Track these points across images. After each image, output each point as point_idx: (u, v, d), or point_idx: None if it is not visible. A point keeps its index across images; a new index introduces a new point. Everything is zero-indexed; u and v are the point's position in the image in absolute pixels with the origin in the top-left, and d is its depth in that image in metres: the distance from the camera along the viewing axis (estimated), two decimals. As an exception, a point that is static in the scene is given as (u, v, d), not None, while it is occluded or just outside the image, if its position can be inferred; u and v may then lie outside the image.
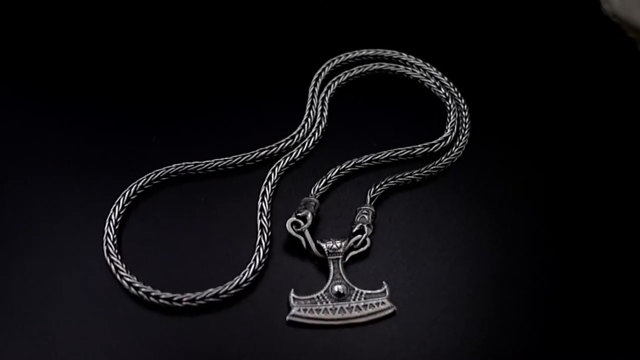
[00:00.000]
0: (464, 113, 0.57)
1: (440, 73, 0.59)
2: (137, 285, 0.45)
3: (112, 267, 0.46)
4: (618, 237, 0.50)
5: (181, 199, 0.51)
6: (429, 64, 0.60)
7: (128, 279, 0.45)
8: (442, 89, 0.58)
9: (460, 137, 0.55)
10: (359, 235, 0.48)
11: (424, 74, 0.59)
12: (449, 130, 0.56)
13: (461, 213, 0.51)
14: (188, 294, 0.45)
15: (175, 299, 0.45)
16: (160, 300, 0.45)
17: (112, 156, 0.52)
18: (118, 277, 0.46)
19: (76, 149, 0.52)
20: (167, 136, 0.54)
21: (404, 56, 0.60)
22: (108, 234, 0.47)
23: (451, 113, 0.57)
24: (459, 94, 0.58)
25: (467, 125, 0.56)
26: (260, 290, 0.47)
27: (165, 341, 0.44)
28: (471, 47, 0.62)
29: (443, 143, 0.55)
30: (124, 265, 0.46)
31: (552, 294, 0.48)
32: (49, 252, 0.47)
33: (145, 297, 0.45)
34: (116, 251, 0.47)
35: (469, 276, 0.48)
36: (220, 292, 0.45)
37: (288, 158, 0.53)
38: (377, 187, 0.51)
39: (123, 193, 0.49)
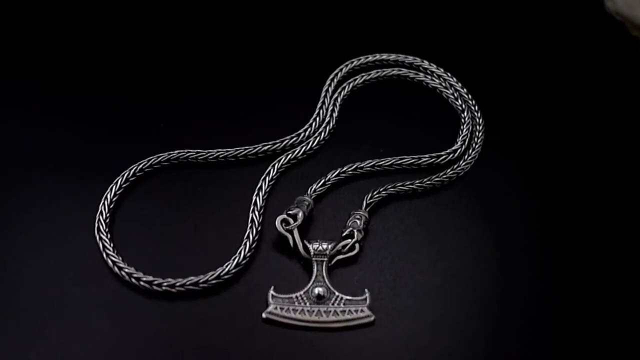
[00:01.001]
0: (478, 127, 0.55)
1: (460, 84, 0.58)
2: (120, 265, 0.46)
3: (100, 245, 0.47)
4: (629, 264, 0.48)
5: (180, 185, 0.51)
6: (449, 74, 0.58)
7: (113, 258, 0.46)
8: (459, 101, 0.57)
9: (470, 151, 0.54)
10: (348, 240, 0.48)
11: (443, 84, 0.58)
12: (459, 143, 0.54)
13: (459, 229, 0.50)
14: (169, 279, 0.45)
15: (156, 282, 0.45)
16: (141, 283, 0.45)
17: (118, 139, 0.53)
18: (104, 255, 0.46)
19: (83, 128, 0.53)
20: (177, 124, 0.54)
21: (425, 63, 0.59)
22: (101, 211, 0.48)
23: (464, 126, 0.55)
24: (476, 107, 0.56)
25: (479, 140, 0.55)
26: (242, 284, 0.47)
27: (141, 323, 0.44)
28: (482, 51, 0.61)
29: (451, 155, 0.53)
30: (111, 245, 0.47)
31: (548, 325, 0.46)
32: (41, 225, 0.48)
33: (127, 277, 0.45)
34: (107, 230, 0.47)
35: (456, 295, 0.47)
36: (201, 281, 0.45)
37: (290, 155, 0.52)
38: (375, 193, 0.50)
39: (122, 174, 0.50)
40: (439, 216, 0.51)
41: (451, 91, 0.58)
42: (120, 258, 0.46)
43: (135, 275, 0.45)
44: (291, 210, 0.48)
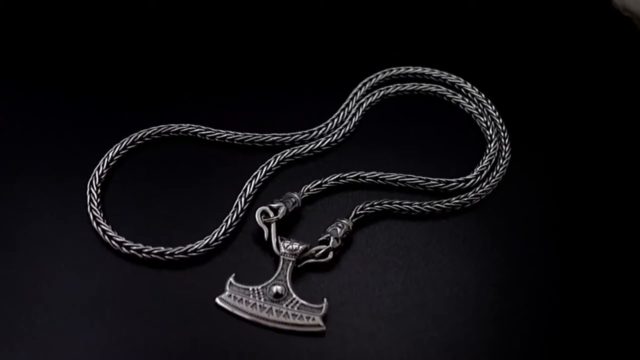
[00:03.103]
0: (501, 161, 0.52)
1: (497, 113, 0.54)
2: (110, 233, 0.47)
3: (91, 214, 0.48)
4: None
5: (181, 159, 0.51)
6: (489, 101, 0.55)
7: (103, 227, 0.47)
8: (490, 130, 0.54)
9: (484, 184, 0.51)
10: (323, 246, 0.46)
11: (479, 109, 0.55)
12: (474, 174, 0.51)
13: (443, 262, 0.47)
14: (138, 245, 0.46)
15: (125, 245, 0.46)
16: (113, 242, 0.46)
17: (139, 105, 0.54)
18: (94, 223, 0.47)
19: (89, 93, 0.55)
20: (199, 101, 0.55)
21: (468, 86, 0.56)
22: (95, 175, 0.49)
23: (486, 157, 0.52)
24: (506, 140, 0.53)
25: (497, 175, 0.51)
26: (209, 265, 0.46)
27: (125, 290, 0.45)
28: (529, 81, 0.58)
29: (461, 184, 0.51)
30: (102, 213, 0.48)
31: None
32: (35, 190, 0.49)
33: (117, 246, 0.46)
34: (98, 199, 0.48)
35: (418, 329, 0.44)
36: (167, 252, 0.46)
37: (295, 151, 0.52)
38: (367, 205, 0.49)
39: (121, 141, 0.51)
40: (427, 244, 0.48)
41: (485, 119, 0.54)
42: (110, 226, 0.47)
43: (109, 234, 0.47)
44: (274, 204, 0.48)
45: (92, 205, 0.48)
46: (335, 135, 0.53)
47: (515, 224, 0.49)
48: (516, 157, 0.52)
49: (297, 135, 0.52)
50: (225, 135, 0.52)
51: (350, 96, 0.55)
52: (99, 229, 0.47)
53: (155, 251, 0.46)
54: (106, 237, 0.46)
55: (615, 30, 0.60)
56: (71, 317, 0.44)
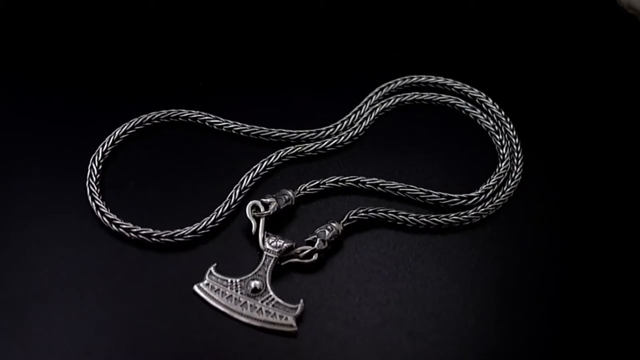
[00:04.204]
0: (509, 183, 0.50)
1: (514, 132, 0.53)
2: (103, 209, 0.47)
3: (88, 189, 0.48)
4: None
5: (187, 145, 0.52)
6: (508, 119, 0.53)
7: (97, 202, 0.48)
8: (504, 149, 0.52)
9: (487, 204, 0.49)
10: (308, 247, 0.46)
11: (496, 127, 0.53)
12: (479, 192, 0.49)
13: (430, 277, 0.46)
14: (128, 224, 0.46)
15: (115, 222, 0.47)
16: (104, 219, 0.47)
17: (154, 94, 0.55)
18: (89, 198, 0.48)
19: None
20: (214, 89, 0.55)
21: (489, 101, 0.54)
22: (99, 152, 0.50)
23: (494, 176, 0.50)
24: (519, 162, 0.51)
25: (503, 196, 0.49)
26: (193, 252, 0.46)
27: (108, 266, 0.46)
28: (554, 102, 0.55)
29: (463, 201, 0.49)
30: (99, 189, 0.48)
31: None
32: (36, 164, 0.50)
33: (107, 223, 0.47)
34: (98, 175, 0.49)
35: (390, 342, 0.43)
36: (153, 235, 0.46)
37: (299, 148, 0.51)
38: (361, 211, 0.48)
39: (130, 121, 0.52)
40: (417, 258, 0.47)
41: (500, 137, 0.53)
42: (104, 203, 0.47)
43: (108, 216, 0.47)
44: (266, 199, 0.47)
45: (91, 180, 0.49)
46: (342, 138, 0.52)
47: (512, 250, 0.47)
48: (526, 180, 0.50)
49: (304, 134, 0.52)
50: (232, 125, 0.52)
51: (365, 100, 0.54)
52: (93, 203, 0.48)
53: (143, 232, 0.46)
54: (98, 213, 0.47)
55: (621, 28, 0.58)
56: (51, 288, 0.45)
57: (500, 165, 0.51)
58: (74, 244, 0.46)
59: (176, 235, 0.46)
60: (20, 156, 0.50)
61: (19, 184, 0.49)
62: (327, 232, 0.46)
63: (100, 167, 0.50)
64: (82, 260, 0.46)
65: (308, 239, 0.46)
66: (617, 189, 0.51)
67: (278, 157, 0.51)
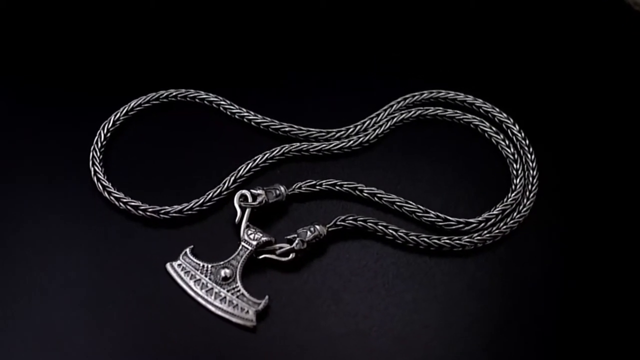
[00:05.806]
0: (514, 215, 0.47)
1: (534, 163, 0.50)
2: (99, 176, 0.48)
3: (91, 155, 0.49)
4: None
5: (196, 127, 0.52)
6: (531, 149, 0.50)
7: (96, 168, 0.49)
8: (519, 179, 0.49)
9: (484, 233, 0.46)
10: (286, 245, 0.45)
11: (517, 155, 0.50)
12: (480, 218, 0.47)
13: (405, 298, 0.44)
14: (120, 195, 0.47)
15: (114, 195, 0.47)
16: (112, 197, 0.47)
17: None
18: (90, 163, 0.49)
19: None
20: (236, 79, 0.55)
21: (515, 128, 0.51)
22: (103, 126, 0.50)
23: (501, 205, 0.48)
24: (532, 194, 0.48)
25: (505, 228, 0.47)
26: (175, 232, 0.46)
27: (94, 233, 0.47)
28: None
29: (461, 226, 0.47)
30: (101, 163, 0.49)
31: None
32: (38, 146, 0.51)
33: (101, 189, 0.47)
34: (104, 142, 0.50)
35: (347, 355, 0.41)
36: (140, 207, 0.46)
37: (303, 146, 0.50)
38: (350, 218, 0.46)
39: (138, 98, 0.52)
40: (397, 276, 0.45)
41: (518, 166, 0.50)
42: (106, 177, 0.48)
43: (99, 176, 0.48)
44: (256, 190, 0.47)
45: (96, 146, 0.50)
46: (351, 142, 0.51)
47: (501, 288, 0.44)
48: (533, 215, 0.47)
49: (313, 132, 0.51)
50: (245, 114, 0.52)
51: (385, 107, 0.53)
52: (93, 168, 0.48)
53: (132, 203, 0.47)
54: (95, 179, 0.48)
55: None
56: (42, 251, 0.46)
57: (509, 195, 0.48)
58: (66, 205, 0.48)
59: (162, 211, 0.47)
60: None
61: (22, 170, 0.50)
62: (308, 233, 0.45)
63: (109, 134, 0.51)
64: (71, 225, 0.47)
65: (288, 237, 0.45)
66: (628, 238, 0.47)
67: (281, 151, 0.50)
